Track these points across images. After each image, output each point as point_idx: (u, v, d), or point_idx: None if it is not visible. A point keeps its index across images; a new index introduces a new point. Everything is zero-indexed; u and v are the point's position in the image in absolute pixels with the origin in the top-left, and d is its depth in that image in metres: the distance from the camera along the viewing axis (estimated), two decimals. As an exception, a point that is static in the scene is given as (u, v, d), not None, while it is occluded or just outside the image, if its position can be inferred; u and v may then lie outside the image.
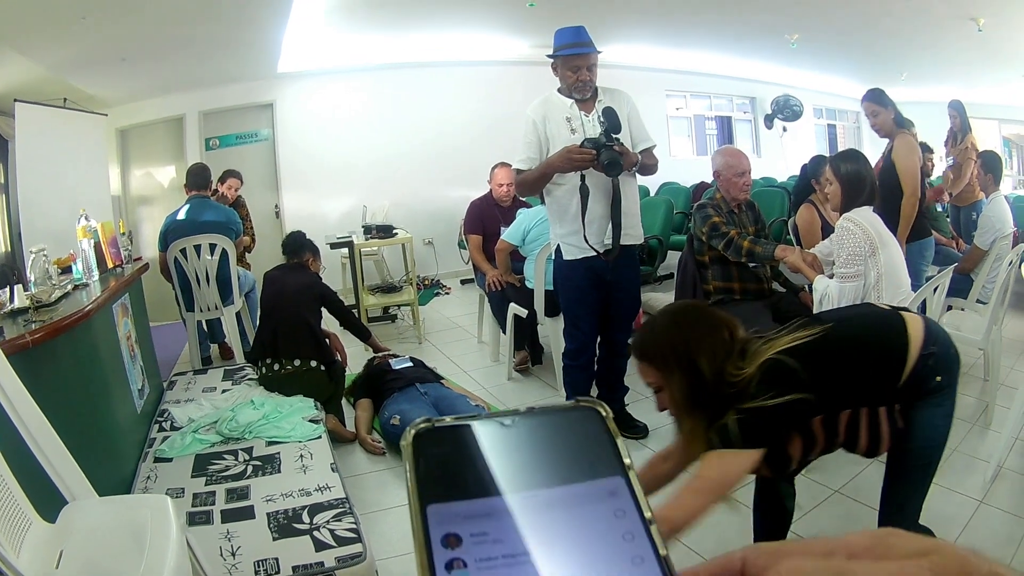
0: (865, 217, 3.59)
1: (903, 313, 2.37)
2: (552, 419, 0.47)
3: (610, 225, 4.16)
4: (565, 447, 0.46)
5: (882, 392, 2.29)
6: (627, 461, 0.44)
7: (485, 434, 0.45)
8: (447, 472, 0.43)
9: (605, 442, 0.45)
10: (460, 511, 0.41)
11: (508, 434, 0.45)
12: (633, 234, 4.29)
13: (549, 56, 4.23)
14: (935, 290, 3.88)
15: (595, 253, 4.20)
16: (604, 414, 0.47)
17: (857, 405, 2.29)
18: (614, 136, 3.95)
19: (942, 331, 2.35)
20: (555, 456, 0.45)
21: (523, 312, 5.63)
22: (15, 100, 6.62)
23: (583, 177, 4.02)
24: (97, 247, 4.44)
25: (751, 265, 4.46)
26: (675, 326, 2.30)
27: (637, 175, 4.32)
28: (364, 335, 5.55)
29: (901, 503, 2.40)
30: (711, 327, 2.25)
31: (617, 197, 4.09)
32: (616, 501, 0.43)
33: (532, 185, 4.38)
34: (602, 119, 3.99)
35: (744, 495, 3.03)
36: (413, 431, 0.44)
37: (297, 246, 5.38)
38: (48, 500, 2.32)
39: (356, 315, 5.96)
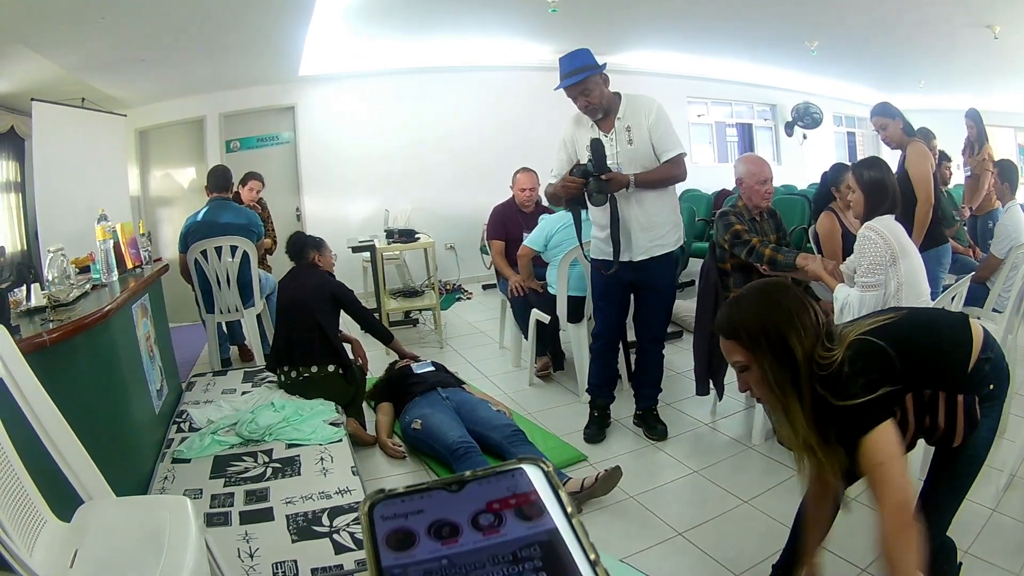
0: (887, 226, 3.57)
1: (967, 315, 2.37)
2: (496, 480, 0.49)
3: (611, 242, 4.33)
4: (512, 502, 0.48)
5: (955, 378, 2.24)
6: (569, 510, 0.47)
7: (435, 499, 0.47)
8: (403, 535, 0.45)
9: (549, 494, 0.48)
10: (417, 568, 0.43)
11: (456, 498, 0.48)
12: (662, 243, 4.39)
13: (557, 88, 4.32)
14: (953, 299, 3.83)
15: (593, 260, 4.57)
16: (546, 469, 0.50)
17: (936, 387, 2.24)
18: (601, 168, 4.10)
19: (997, 344, 2.33)
20: (502, 511, 0.47)
21: (545, 318, 5.60)
22: (32, 99, 6.61)
23: (569, 201, 4.32)
24: (116, 247, 4.42)
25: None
26: (765, 303, 2.23)
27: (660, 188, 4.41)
28: (385, 338, 5.39)
29: (937, 512, 2.33)
30: (801, 306, 2.19)
31: (615, 217, 4.23)
32: (563, 545, 0.45)
33: (553, 199, 4.81)
34: (589, 150, 4.10)
35: (776, 508, 3.00)
36: (369, 502, 0.47)
37: (299, 247, 5.31)
38: (65, 499, 2.29)
39: (376, 317, 5.84)
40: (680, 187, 4.66)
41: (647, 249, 4.34)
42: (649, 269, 4.38)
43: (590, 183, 4.09)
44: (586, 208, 4.35)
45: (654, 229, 4.33)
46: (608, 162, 4.15)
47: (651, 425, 4.72)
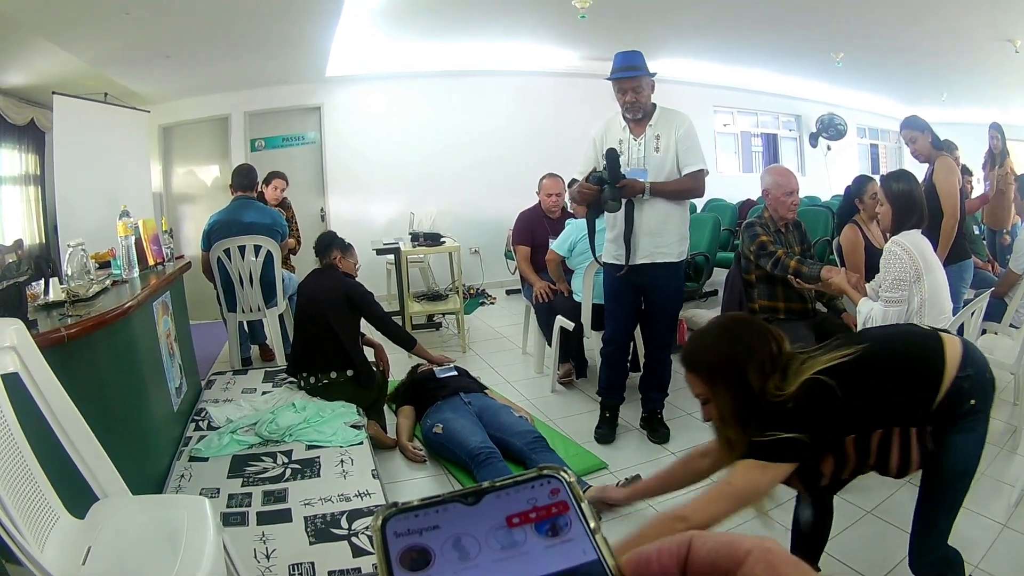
0: (913, 241, 3.56)
1: (942, 334, 2.35)
2: (515, 491, 0.47)
3: (622, 245, 4.43)
4: (532, 516, 0.46)
5: (916, 413, 2.27)
6: (592, 524, 0.45)
7: (451, 513, 0.45)
8: (417, 553, 0.43)
9: (571, 506, 0.46)
10: None
11: (473, 511, 0.45)
12: (666, 252, 4.43)
13: (607, 79, 4.42)
14: (972, 314, 3.80)
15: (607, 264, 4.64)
16: (568, 479, 0.47)
17: (890, 425, 2.27)
18: (615, 177, 4.22)
19: (980, 355, 2.32)
20: (522, 526, 0.45)
21: (570, 325, 5.57)
22: (53, 92, 6.60)
23: (590, 206, 4.42)
24: (138, 243, 4.41)
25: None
26: (725, 338, 2.28)
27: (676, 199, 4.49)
28: (407, 344, 5.23)
29: (931, 524, 2.39)
30: (761, 340, 2.24)
31: (629, 222, 4.34)
32: (584, 559, 0.44)
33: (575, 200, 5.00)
34: (603, 158, 4.24)
35: (781, 516, 2.99)
36: (381, 517, 0.44)
37: (325, 244, 5.24)
38: (79, 496, 2.27)
39: (395, 322, 5.52)
40: (705, 196, 4.70)
41: (650, 254, 4.40)
42: (653, 274, 4.45)
43: (605, 190, 4.20)
44: (602, 215, 4.42)
45: (660, 236, 4.39)
46: (633, 164, 4.33)
47: (654, 428, 4.82)
